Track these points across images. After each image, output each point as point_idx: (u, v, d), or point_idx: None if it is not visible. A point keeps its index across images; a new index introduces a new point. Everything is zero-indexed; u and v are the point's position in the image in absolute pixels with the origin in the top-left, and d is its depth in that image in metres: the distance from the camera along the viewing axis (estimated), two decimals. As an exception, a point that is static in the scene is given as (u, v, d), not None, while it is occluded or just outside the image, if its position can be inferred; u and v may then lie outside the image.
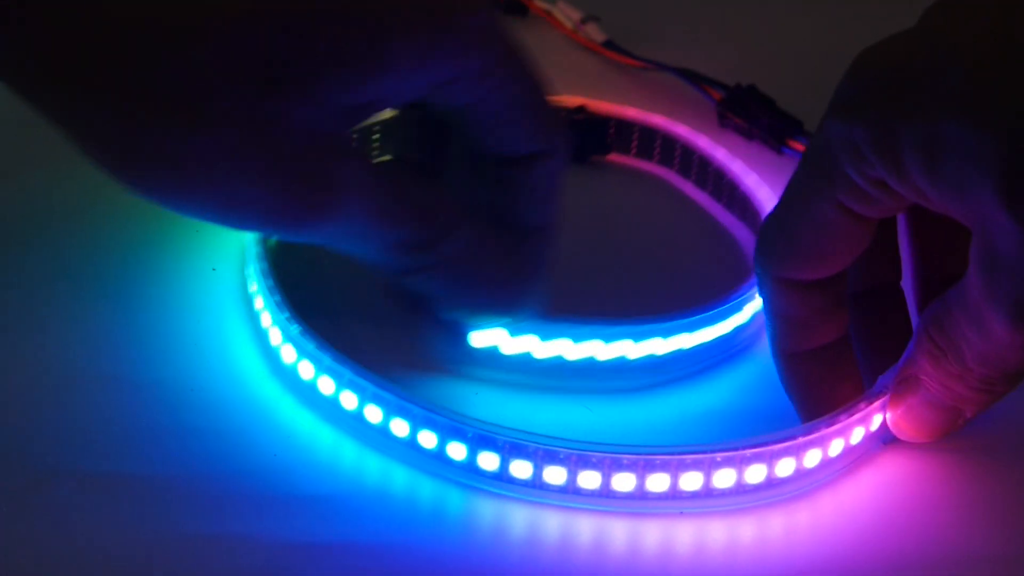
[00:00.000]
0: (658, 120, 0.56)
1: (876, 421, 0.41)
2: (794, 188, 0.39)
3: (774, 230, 0.40)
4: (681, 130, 0.56)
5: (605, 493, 0.39)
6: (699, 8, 0.70)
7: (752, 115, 0.59)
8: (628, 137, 0.57)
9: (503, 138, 0.40)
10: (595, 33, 0.65)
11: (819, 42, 0.67)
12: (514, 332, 0.43)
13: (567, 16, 0.66)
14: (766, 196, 0.52)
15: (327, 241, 0.38)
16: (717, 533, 0.40)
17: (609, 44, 0.64)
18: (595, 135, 0.56)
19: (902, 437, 0.41)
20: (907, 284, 0.43)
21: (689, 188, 0.56)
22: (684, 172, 0.56)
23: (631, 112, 0.57)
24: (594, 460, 0.39)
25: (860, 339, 0.42)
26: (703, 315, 0.45)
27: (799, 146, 0.57)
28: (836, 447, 0.40)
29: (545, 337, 0.44)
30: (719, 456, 0.39)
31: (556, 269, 0.43)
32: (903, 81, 0.35)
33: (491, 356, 0.44)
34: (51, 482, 0.39)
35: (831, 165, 0.37)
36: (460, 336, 0.44)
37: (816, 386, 0.41)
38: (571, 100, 0.56)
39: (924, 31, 0.36)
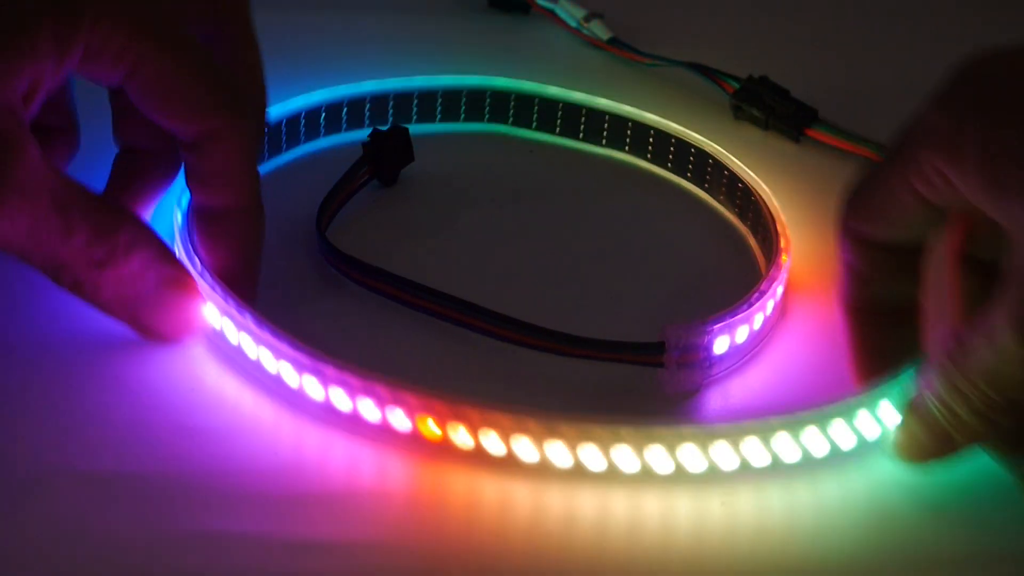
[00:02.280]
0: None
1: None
2: (885, 155, 0.43)
3: (858, 186, 0.43)
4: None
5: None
6: (698, 3, 0.70)
7: (768, 106, 0.59)
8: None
9: (160, 117, 0.42)
10: (599, 30, 0.65)
11: (822, 32, 0.68)
12: None
13: (570, 14, 0.65)
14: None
15: None
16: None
17: (614, 41, 0.64)
18: (394, 149, 0.53)
19: (895, 453, 0.42)
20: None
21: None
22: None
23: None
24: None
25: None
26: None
27: (816, 134, 0.58)
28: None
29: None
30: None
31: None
32: (989, 86, 0.39)
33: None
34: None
35: (910, 145, 0.41)
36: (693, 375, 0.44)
37: (871, 345, 0.44)
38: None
39: None
